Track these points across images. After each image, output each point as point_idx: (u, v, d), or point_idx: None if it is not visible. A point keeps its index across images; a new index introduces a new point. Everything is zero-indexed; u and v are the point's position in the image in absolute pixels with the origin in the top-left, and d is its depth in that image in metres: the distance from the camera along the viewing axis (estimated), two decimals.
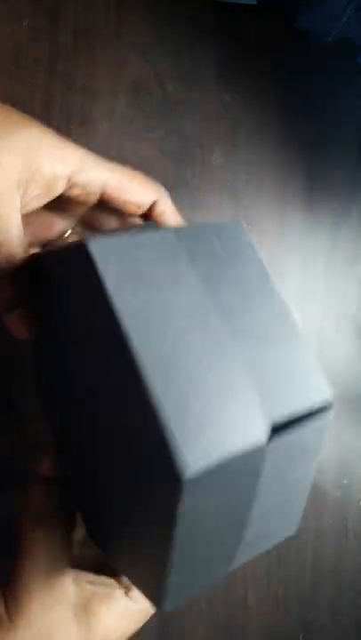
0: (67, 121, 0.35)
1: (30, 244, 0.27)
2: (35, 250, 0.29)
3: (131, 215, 0.29)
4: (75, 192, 0.26)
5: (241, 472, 0.18)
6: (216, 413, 0.17)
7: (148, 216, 0.28)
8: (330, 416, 0.20)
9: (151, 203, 0.27)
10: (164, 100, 0.36)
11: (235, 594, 0.38)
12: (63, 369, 0.24)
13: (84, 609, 0.24)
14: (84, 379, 0.21)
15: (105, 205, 0.27)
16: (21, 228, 0.24)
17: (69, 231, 0.30)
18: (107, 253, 0.19)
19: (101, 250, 0.19)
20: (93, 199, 0.26)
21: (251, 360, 0.19)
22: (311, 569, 0.38)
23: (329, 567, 0.39)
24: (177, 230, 0.22)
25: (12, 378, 0.35)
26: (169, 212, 0.28)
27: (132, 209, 0.27)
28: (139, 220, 0.29)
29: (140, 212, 0.28)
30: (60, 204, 0.27)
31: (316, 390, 0.20)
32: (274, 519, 0.22)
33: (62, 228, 0.29)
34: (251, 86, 0.37)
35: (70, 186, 0.25)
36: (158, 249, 0.20)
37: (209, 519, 0.18)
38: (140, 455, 0.18)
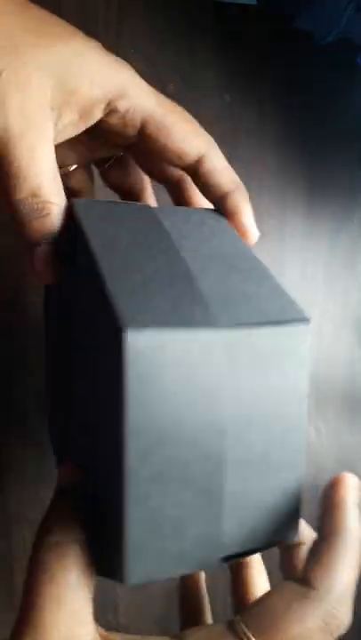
0: None
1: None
2: None
3: (169, 166, 0.25)
4: (112, 120, 0.22)
5: (197, 363, 0.17)
6: (165, 301, 0.17)
7: (190, 172, 0.24)
8: (308, 330, 0.18)
9: (197, 156, 0.23)
10: None
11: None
12: (63, 308, 0.25)
13: None
14: (75, 315, 0.22)
15: (141, 148, 0.23)
16: (53, 160, 0.20)
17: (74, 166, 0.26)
18: (88, 207, 0.21)
19: (83, 204, 0.21)
20: (132, 132, 0.22)
21: (213, 280, 0.19)
22: None
23: None
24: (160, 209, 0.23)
25: (12, 378, 0.35)
26: (220, 170, 0.23)
27: (172, 157, 0.23)
28: (177, 173, 0.26)
29: (180, 163, 0.23)
30: (92, 133, 0.23)
31: (287, 307, 0.19)
32: (260, 481, 0.19)
33: (84, 159, 0.25)
34: (251, 86, 0.37)
35: (109, 112, 0.22)
36: (136, 210, 0.22)
37: (170, 434, 0.17)
38: (98, 343, 0.18)
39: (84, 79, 0.20)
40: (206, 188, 0.24)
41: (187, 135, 0.23)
